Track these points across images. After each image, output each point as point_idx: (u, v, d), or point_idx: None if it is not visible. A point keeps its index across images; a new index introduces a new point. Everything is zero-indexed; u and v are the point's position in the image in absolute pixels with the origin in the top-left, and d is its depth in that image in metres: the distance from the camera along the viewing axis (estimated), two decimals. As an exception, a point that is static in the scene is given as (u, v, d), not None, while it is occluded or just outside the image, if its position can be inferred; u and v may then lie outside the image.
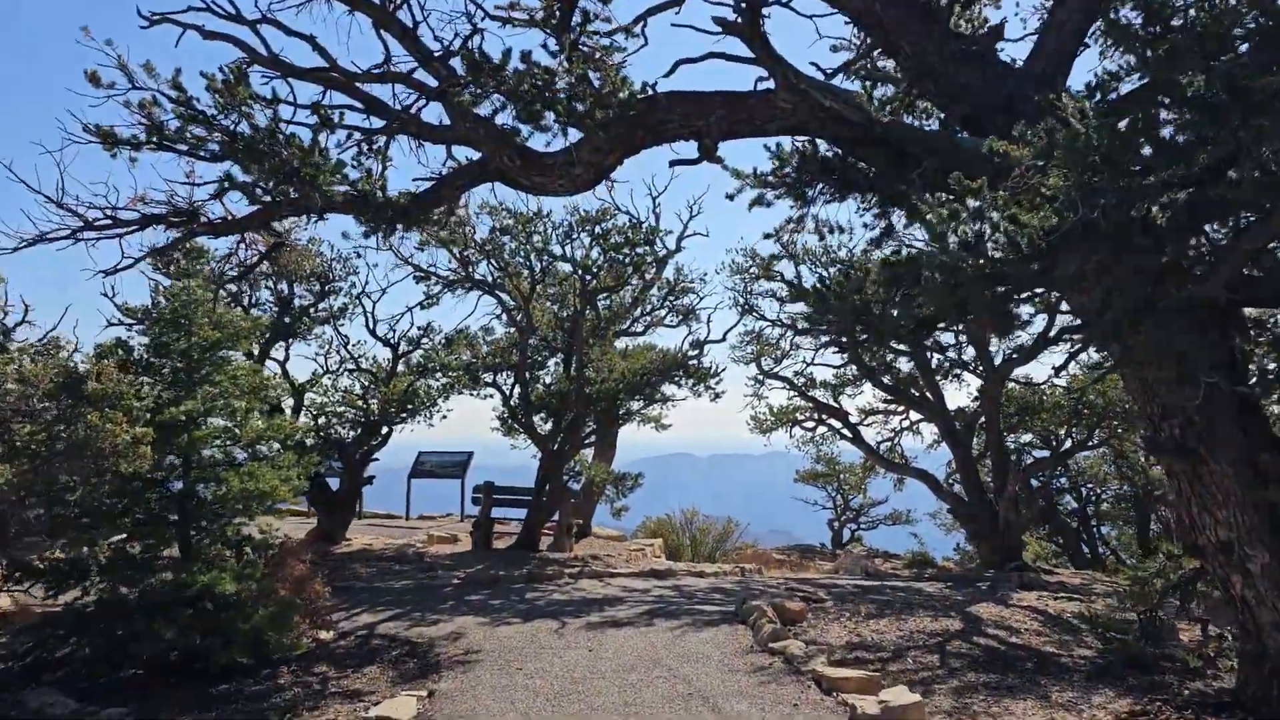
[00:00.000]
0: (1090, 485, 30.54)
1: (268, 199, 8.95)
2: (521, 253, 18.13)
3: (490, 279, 18.73)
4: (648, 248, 18.20)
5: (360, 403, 17.61)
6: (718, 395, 19.43)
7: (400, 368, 18.30)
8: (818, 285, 16.61)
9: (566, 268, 19.34)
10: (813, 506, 36.78)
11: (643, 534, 31.74)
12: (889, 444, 26.77)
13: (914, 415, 26.73)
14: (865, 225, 10.92)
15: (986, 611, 14.48)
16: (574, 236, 18.41)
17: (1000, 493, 22.23)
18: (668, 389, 20.07)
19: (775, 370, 24.68)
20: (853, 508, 35.31)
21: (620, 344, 22.63)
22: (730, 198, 10.45)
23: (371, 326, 18.05)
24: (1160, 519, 29.52)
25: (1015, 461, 22.20)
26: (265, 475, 10.13)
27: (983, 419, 23.87)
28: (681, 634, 12.41)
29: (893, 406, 26.99)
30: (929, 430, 27.62)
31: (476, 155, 9.64)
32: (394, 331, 18.01)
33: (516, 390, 19.32)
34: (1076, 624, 13.80)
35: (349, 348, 18.05)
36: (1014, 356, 22.48)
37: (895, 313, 9.37)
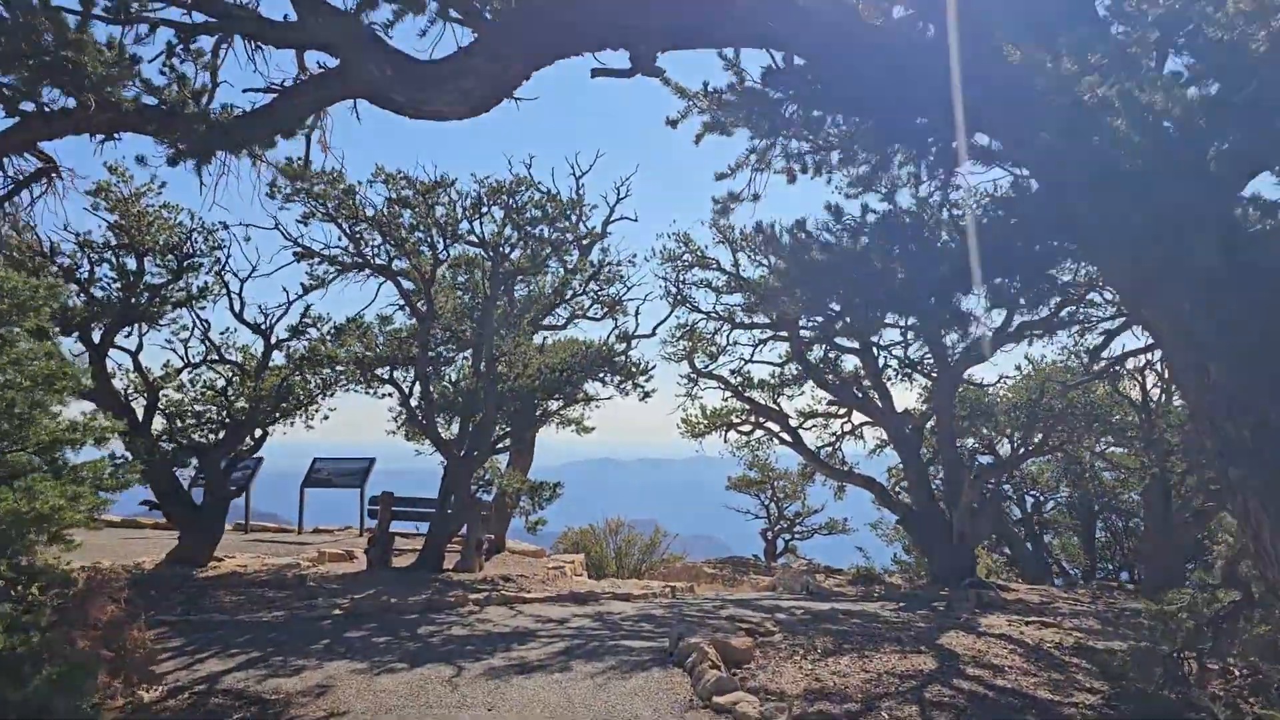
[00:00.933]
0: (1037, 492, 29.04)
1: (31, 106, 6.46)
2: (422, 228, 15.64)
3: (387, 258, 16.20)
4: (569, 223, 15.92)
5: (221, 400, 14.88)
6: (647, 395, 17.21)
7: (279, 359, 15.65)
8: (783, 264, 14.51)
9: (475, 248, 16.93)
10: (744, 515, 34.80)
11: (564, 546, 29.41)
12: (830, 449, 24.80)
13: (857, 418, 24.83)
14: (844, 163, 8.74)
15: (959, 643, 12.46)
16: (483, 210, 16.00)
17: (954, 502, 20.35)
18: (591, 387, 17.75)
19: (710, 369, 22.52)
20: (787, 516, 33.39)
21: (539, 338, 20.27)
22: (673, 124, 8.26)
23: (238, 310, 15.38)
24: (1109, 528, 28.13)
25: (969, 468, 20.35)
26: (48, 492, 7.55)
27: (933, 422, 22.02)
28: (605, 683, 10.07)
29: (834, 409, 25.06)
30: (872, 435, 25.80)
31: (335, 63, 7.25)
32: (266, 317, 15.38)
33: (417, 388, 16.81)
34: (1063, 658, 11.91)
35: (210, 336, 15.33)
36: (970, 354, 20.65)
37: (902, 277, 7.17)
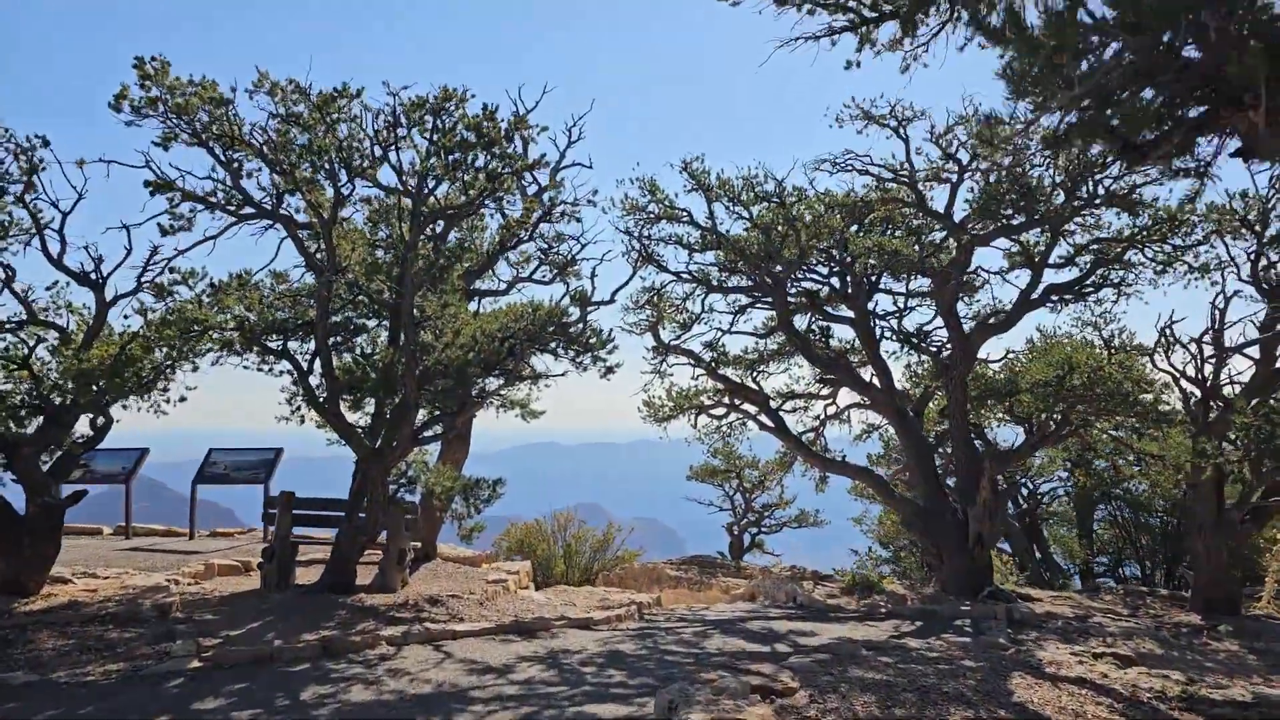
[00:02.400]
0: (1034, 480, 26.19)
1: None
2: (319, 154, 11.94)
3: (275, 194, 12.48)
4: (510, 152, 12.35)
5: (28, 376, 10.98)
6: (610, 370, 13.73)
7: (130, 324, 11.80)
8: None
9: (390, 178, 13.25)
10: (707, 507, 31.57)
11: (506, 544, 25.94)
12: (811, 434, 21.55)
13: (843, 399, 21.63)
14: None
15: (1038, 697, 9.32)
16: (401, 132, 12.35)
17: (968, 498, 17.22)
18: (540, 361, 14.17)
19: (680, 341, 19.07)
20: (755, 509, 30.20)
21: (474, 306, 16.68)
22: None
23: (57, 255, 11.44)
24: (1115, 520, 25.36)
25: (983, 457, 17.22)
26: None
27: (941, 401, 18.90)
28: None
29: (817, 390, 21.82)
30: (858, 418, 22.65)
31: None
32: (97, 264, 11.46)
33: (317, 362, 13.15)
34: (1173, 714, 8.90)
35: (16, 287, 11.35)
36: (990, 321, 17.49)
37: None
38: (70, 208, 11.33)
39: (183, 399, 12.17)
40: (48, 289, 11.70)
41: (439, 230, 13.64)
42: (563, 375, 13.72)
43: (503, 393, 13.63)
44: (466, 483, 14.02)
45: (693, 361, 19.46)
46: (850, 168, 16.45)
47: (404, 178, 12.71)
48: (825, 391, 21.70)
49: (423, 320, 12.72)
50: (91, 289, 11.48)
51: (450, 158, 12.04)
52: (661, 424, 21.15)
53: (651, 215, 17.67)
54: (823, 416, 21.85)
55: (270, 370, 14.64)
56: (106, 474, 20.69)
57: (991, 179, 15.45)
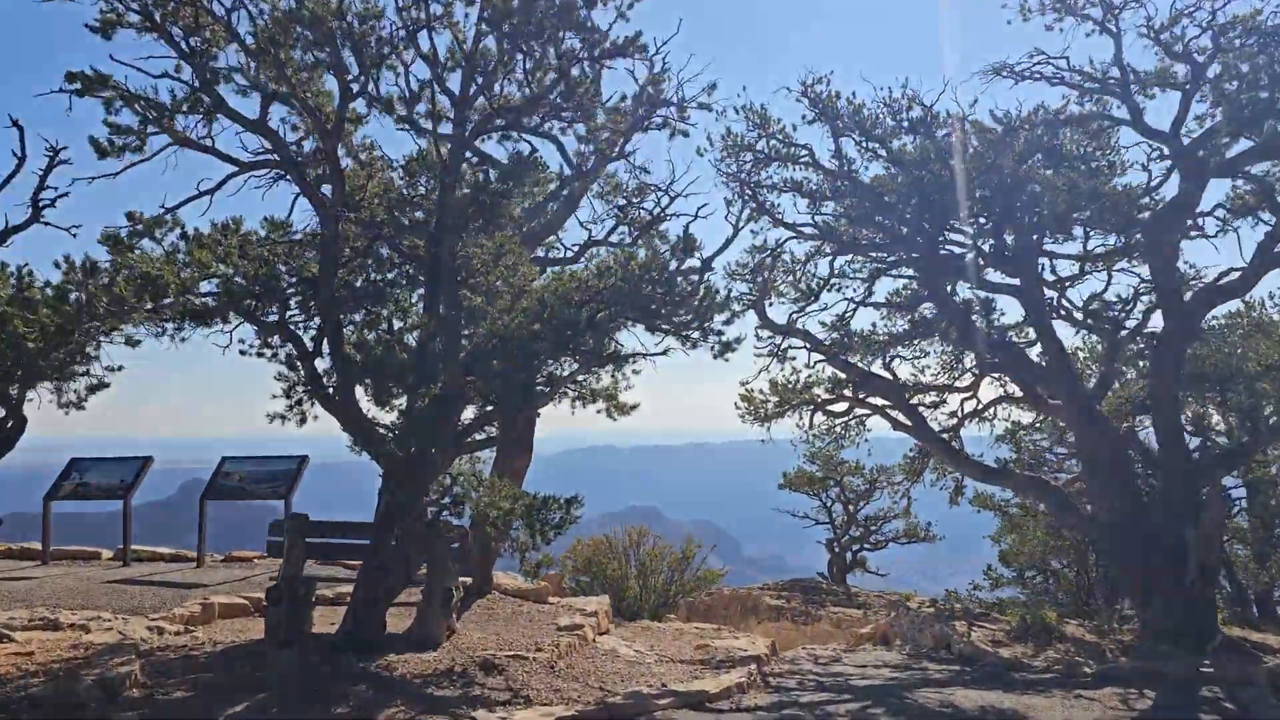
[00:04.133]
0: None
1: None
2: (317, 23, 8.21)
3: (260, 93, 8.82)
4: (588, 13, 8.60)
5: None
6: (728, 347, 9.83)
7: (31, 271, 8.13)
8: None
9: (420, 72, 9.47)
10: (800, 519, 27.60)
11: (572, 564, 22.22)
12: (948, 434, 17.46)
13: (986, 393, 17.57)
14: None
15: None
16: (436, 7, 8.63)
17: (1186, 515, 13.09)
18: (629, 337, 10.26)
19: (798, 318, 15.05)
20: (860, 522, 26.13)
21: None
22: None
23: None
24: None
25: (1211, 461, 13.07)
26: None
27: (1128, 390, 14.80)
28: None
29: (950, 380, 17.77)
30: (1004, 415, 18.59)
31: None
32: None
33: (323, 340, 9.48)
34: None
35: None
36: (1220, 283, 13.30)
37: None
38: None
39: (104, 385, 8.53)
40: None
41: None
42: (663, 354, 9.90)
43: (580, 379, 9.86)
44: (531, 502, 10.25)
45: (808, 345, 15.50)
46: (1036, 75, 12.44)
47: (440, 69, 9.04)
48: (965, 382, 17.64)
49: (469, 276, 9.02)
50: None
51: (506, 28, 8.30)
52: (764, 423, 17.25)
53: (761, 155, 13.77)
54: (960, 413, 17.77)
55: (274, 354, 10.99)
56: (102, 488, 17.34)
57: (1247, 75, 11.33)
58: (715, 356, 9.80)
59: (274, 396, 10.14)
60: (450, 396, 9.19)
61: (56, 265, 7.06)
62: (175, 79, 8.93)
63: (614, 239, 14.54)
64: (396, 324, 9.94)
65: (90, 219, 8.13)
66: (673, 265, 9.69)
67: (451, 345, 8.85)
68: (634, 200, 14.61)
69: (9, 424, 7.83)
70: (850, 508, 26.00)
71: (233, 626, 12.75)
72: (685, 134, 11.59)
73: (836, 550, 26.08)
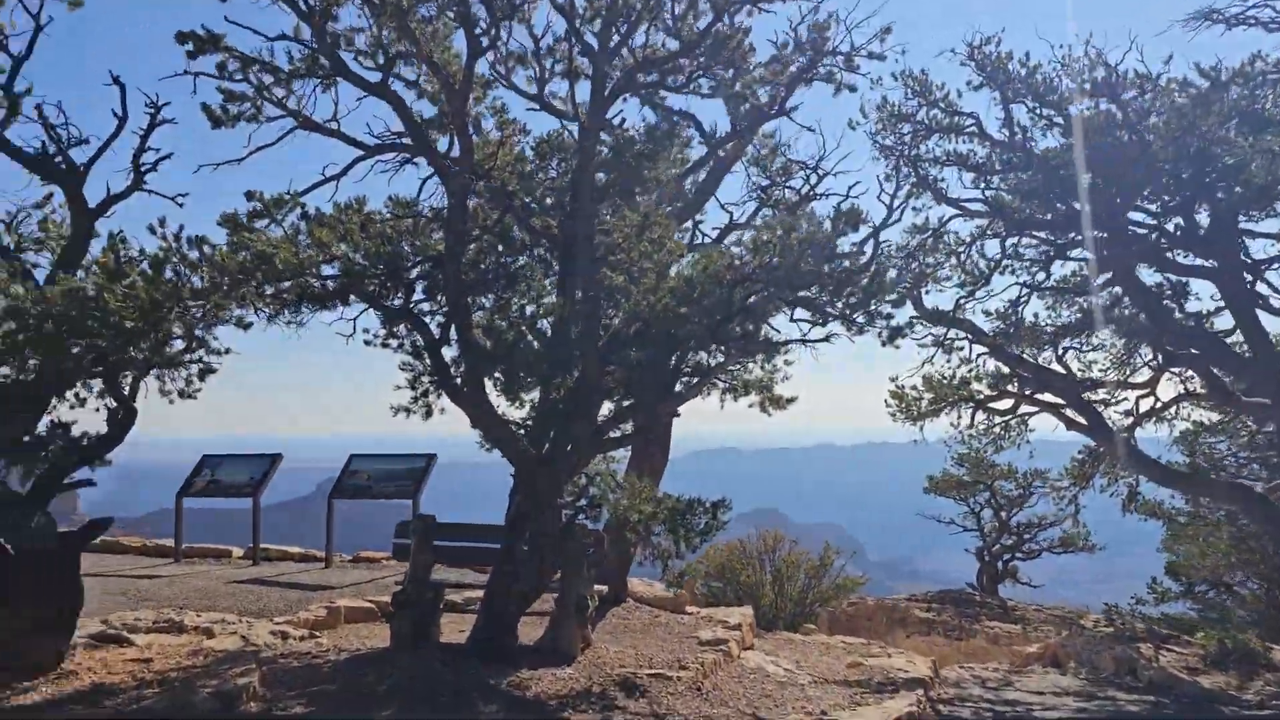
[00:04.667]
0: None
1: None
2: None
3: (379, 54, 8.07)
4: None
5: None
6: (898, 333, 8.64)
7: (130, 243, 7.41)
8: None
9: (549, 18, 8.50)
10: (947, 526, 25.94)
11: (704, 569, 21.25)
12: (1126, 436, 15.74)
13: (1168, 386, 15.81)
14: None
15: None
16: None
17: None
18: (785, 321, 9.08)
19: (963, 306, 13.62)
20: (1013, 529, 24.33)
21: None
22: None
23: None
24: None
25: None
26: None
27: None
28: None
29: (1123, 375, 16.05)
30: (1185, 413, 16.77)
31: None
32: (61, 143, 7.08)
33: (450, 326, 8.68)
34: None
35: None
36: None
37: None
38: (26, 48, 7.18)
39: (210, 370, 7.86)
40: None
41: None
42: (824, 340, 8.75)
43: (732, 369, 8.80)
44: (675, 505, 9.27)
45: (970, 336, 14.08)
46: (1249, 20, 10.83)
47: (577, 21, 8.13)
48: (1141, 378, 15.92)
49: (609, 252, 8.08)
50: (58, 183, 7.34)
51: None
52: (917, 423, 15.89)
53: (921, 126, 12.47)
54: (1135, 411, 16.04)
55: (400, 344, 10.29)
56: (233, 485, 17.16)
57: None
58: (885, 343, 8.61)
59: (398, 388, 9.43)
60: (588, 388, 8.28)
61: (152, 230, 6.43)
62: (293, 40, 8.29)
63: (756, 223, 13.44)
64: (528, 308, 9.09)
65: (203, 202, 7.49)
66: (850, 237, 8.56)
67: (589, 331, 7.94)
68: (778, 180, 13.49)
69: (119, 414, 7.28)
70: (1002, 514, 24.21)
71: (359, 632, 12.18)
72: (852, 88, 10.40)
73: (987, 559, 24.33)
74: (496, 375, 8.51)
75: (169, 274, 6.23)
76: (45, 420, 7.06)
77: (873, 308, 8.40)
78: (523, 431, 9.08)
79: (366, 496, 16.76)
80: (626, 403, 9.16)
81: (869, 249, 8.82)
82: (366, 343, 10.57)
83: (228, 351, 7.12)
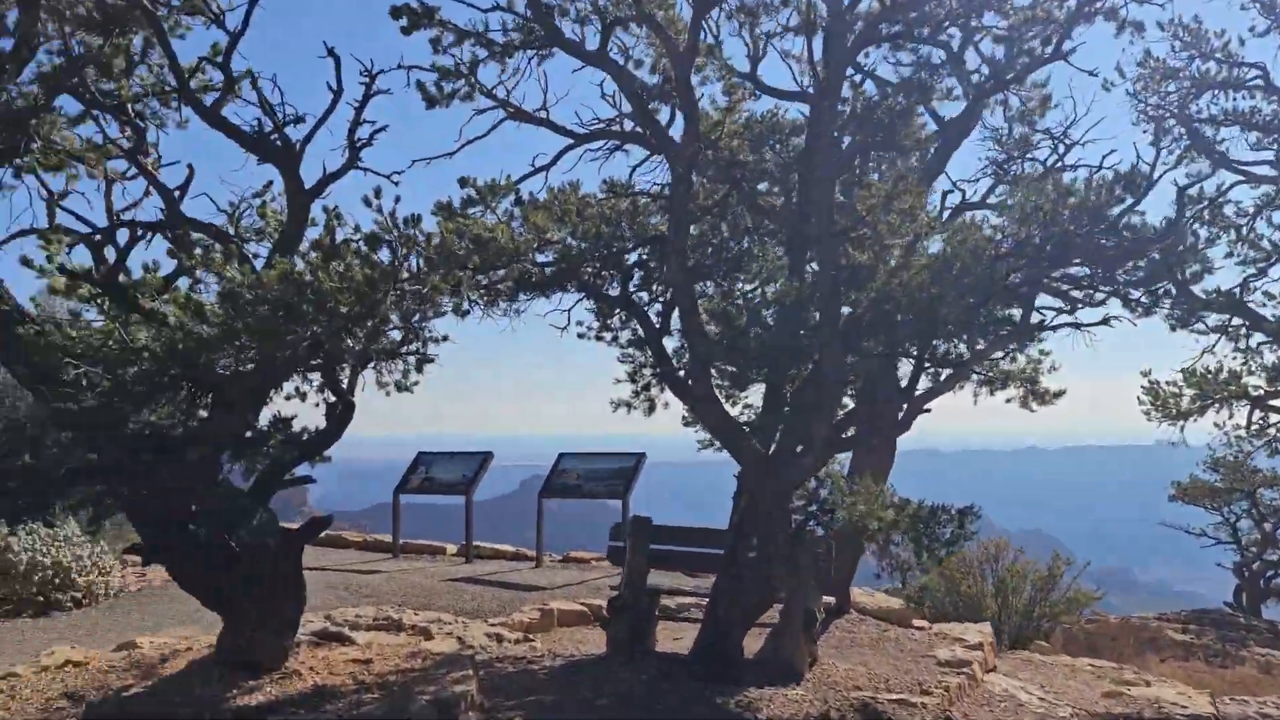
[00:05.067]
0: None
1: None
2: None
3: (588, 6, 7.47)
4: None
5: (185, 316, 6.36)
6: (1204, 305, 7.27)
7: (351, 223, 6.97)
8: None
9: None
10: (1197, 538, 23.46)
11: (923, 578, 19.88)
12: None
13: None
14: None
15: None
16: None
17: None
18: (1042, 303, 7.86)
19: (1255, 283, 11.82)
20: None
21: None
22: None
23: (212, 103, 6.69)
24: None
25: None
26: None
27: None
28: None
29: None
30: None
31: None
32: (275, 118, 6.65)
33: (671, 313, 8.03)
34: None
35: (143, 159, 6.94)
36: None
37: None
38: (242, 22, 6.93)
39: (428, 359, 7.40)
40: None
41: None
42: (1101, 323, 7.50)
43: (997, 356, 7.71)
44: (917, 512, 8.28)
45: (1247, 322, 12.27)
46: None
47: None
48: None
49: (851, 226, 7.18)
50: (274, 161, 7.06)
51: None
52: (1176, 422, 14.12)
53: (1192, 82, 10.89)
54: None
55: (614, 337, 9.77)
56: (446, 483, 17.25)
57: None
58: (1175, 328, 7.35)
59: (617, 381, 8.88)
60: (825, 378, 7.43)
61: (367, 203, 6.06)
62: (507, 11, 7.88)
63: (992, 200, 12.18)
64: (758, 291, 8.32)
65: (409, 189, 7.12)
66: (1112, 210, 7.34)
67: (828, 316, 7.09)
68: (1015, 155, 12.20)
69: (338, 408, 7.02)
70: (1265, 525, 21.54)
71: (572, 636, 11.78)
72: (1139, 27, 9.03)
73: (1247, 576, 21.71)
74: (726, 367, 7.79)
75: (385, 254, 5.87)
76: (265, 415, 6.89)
77: (1162, 286, 7.15)
78: (751, 428, 8.32)
79: (576, 496, 16.46)
80: (869, 396, 8.24)
81: (1180, 213, 7.50)
82: (580, 335, 10.14)
83: (445, 339, 6.76)
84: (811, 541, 9.04)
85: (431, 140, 8.21)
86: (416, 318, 6.30)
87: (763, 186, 8.01)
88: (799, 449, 8.11)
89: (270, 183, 7.35)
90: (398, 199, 6.05)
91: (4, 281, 6.93)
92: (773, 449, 8.51)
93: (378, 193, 6.00)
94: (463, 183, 8.50)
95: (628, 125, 10.65)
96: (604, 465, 16.33)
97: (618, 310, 9.31)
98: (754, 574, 8.80)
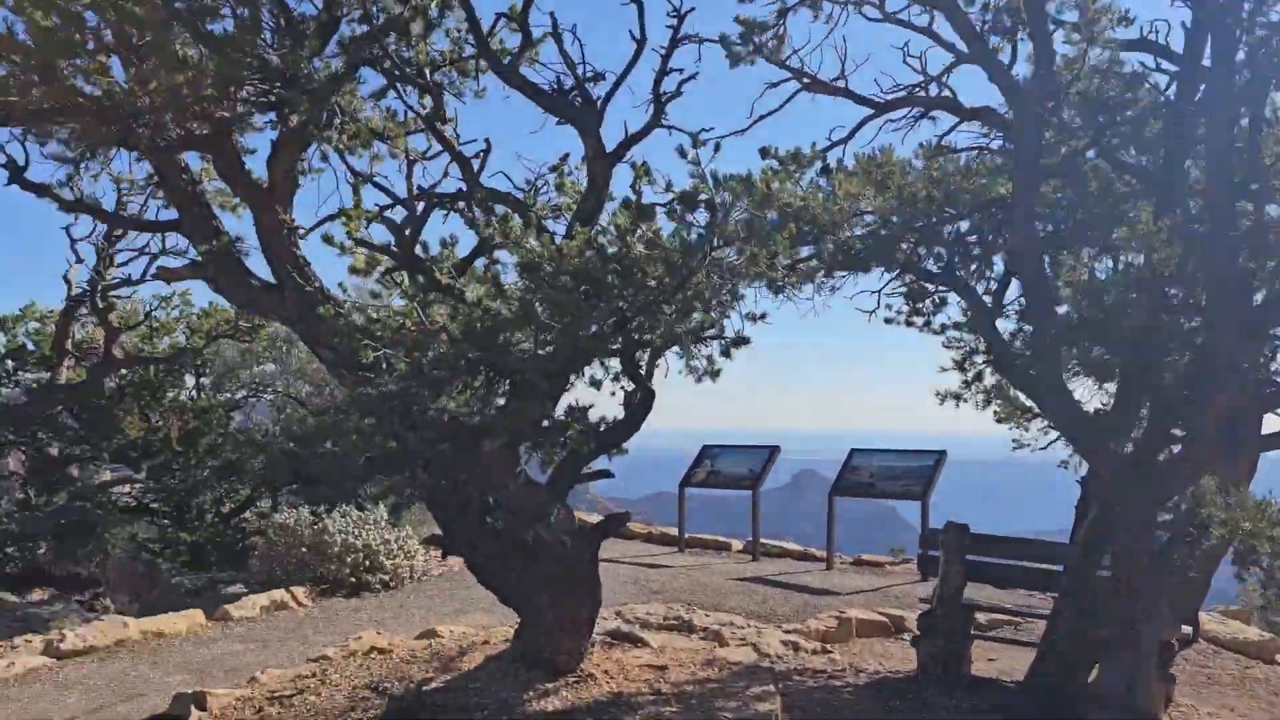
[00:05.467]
0: None
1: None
2: None
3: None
4: None
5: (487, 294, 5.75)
6: None
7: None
8: None
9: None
10: None
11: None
12: None
13: None
14: None
15: None
16: None
17: None
18: None
19: None
20: None
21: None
22: None
23: (509, 61, 6.09)
24: None
25: None
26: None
27: None
28: None
29: None
30: None
31: None
32: (583, 81, 5.92)
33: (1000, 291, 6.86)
34: None
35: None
36: None
37: None
38: None
39: (743, 340, 6.53)
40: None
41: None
42: None
43: None
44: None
45: None
46: None
47: None
48: None
49: (1247, 179, 5.70)
50: (573, 121, 6.42)
51: None
52: None
53: None
54: None
55: (926, 322, 8.70)
56: (731, 477, 16.66)
57: None
58: None
59: (943, 369, 7.81)
60: (1217, 369, 6.02)
61: (681, 153, 5.34)
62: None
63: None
64: (1120, 263, 6.95)
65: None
66: None
67: (1224, 291, 5.69)
68: None
69: (637, 396, 6.45)
70: None
71: (872, 649, 10.77)
72: None
73: None
74: (1073, 348, 6.55)
75: (701, 215, 5.16)
76: (561, 403, 6.42)
77: None
78: (1101, 420, 7.00)
79: (868, 495, 15.38)
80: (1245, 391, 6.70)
81: None
82: (887, 320, 9.15)
83: (763, 316, 5.98)
84: (1182, 564, 7.57)
85: (718, 117, 7.47)
86: (725, 293, 5.55)
87: (1126, 132, 6.66)
88: (1172, 450, 6.72)
89: (566, 155, 6.92)
90: (717, 147, 5.34)
91: (311, 264, 6.92)
92: (1129, 449, 7.15)
93: (696, 140, 5.30)
94: (764, 153, 7.73)
95: (933, 90, 9.69)
96: (900, 463, 15.12)
97: (936, 289, 8.24)
98: (1108, 601, 7.46)
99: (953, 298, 8.58)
